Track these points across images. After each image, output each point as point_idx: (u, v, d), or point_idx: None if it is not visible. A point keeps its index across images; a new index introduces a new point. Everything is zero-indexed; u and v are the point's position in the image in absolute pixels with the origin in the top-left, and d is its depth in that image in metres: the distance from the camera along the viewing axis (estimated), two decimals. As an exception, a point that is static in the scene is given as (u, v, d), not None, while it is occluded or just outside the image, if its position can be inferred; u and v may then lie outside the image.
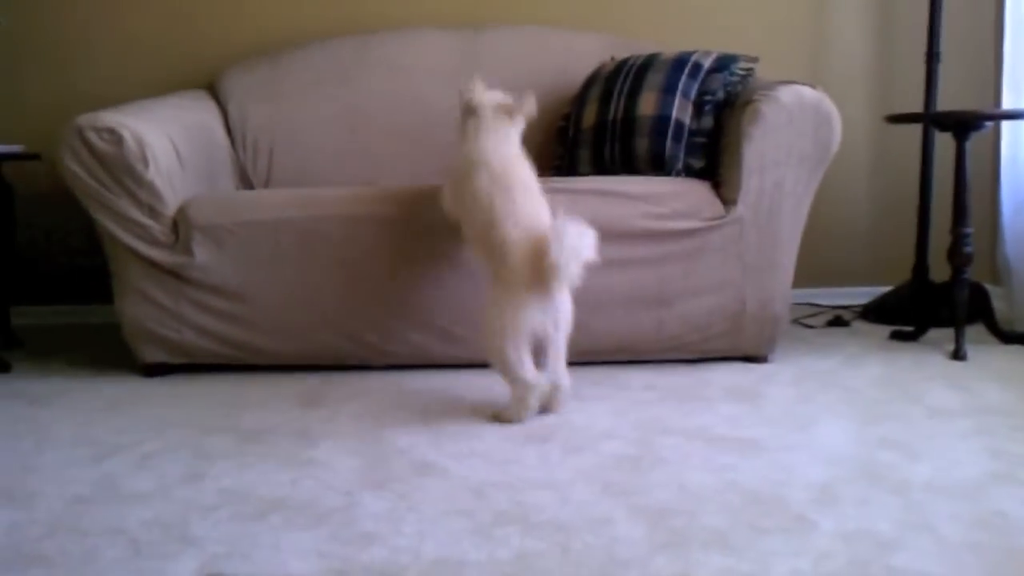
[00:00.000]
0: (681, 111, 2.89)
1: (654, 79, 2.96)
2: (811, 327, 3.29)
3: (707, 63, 2.95)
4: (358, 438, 2.15)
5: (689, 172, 2.88)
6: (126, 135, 2.60)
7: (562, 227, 2.17)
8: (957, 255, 2.87)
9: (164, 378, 2.76)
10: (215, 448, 2.10)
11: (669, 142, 2.87)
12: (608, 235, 2.61)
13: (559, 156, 3.18)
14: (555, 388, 2.32)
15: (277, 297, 2.67)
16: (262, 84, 3.41)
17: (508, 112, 2.37)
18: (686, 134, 2.88)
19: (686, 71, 2.94)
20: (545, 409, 2.33)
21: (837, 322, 3.32)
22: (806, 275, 3.53)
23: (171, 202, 2.68)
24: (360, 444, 2.11)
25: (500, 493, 1.80)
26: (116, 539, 1.63)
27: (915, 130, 3.53)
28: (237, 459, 2.03)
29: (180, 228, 2.66)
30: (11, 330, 3.27)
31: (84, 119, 2.62)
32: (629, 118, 2.94)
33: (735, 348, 2.75)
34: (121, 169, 2.61)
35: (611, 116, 2.99)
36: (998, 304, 3.19)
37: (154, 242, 2.66)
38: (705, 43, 3.45)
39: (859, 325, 3.34)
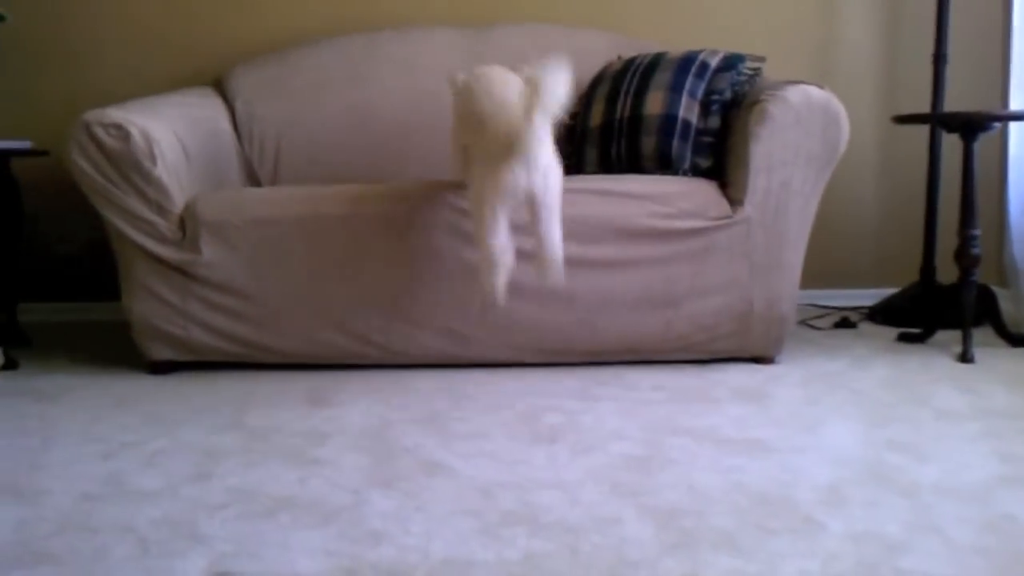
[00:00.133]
0: (688, 110, 2.88)
1: (661, 78, 2.96)
2: (818, 328, 3.29)
3: (714, 62, 2.95)
4: (365, 437, 2.15)
5: (696, 171, 2.88)
6: (134, 131, 2.61)
7: (538, 76, 2.21)
8: (965, 257, 2.87)
9: (171, 375, 2.76)
10: (223, 446, 2.10)
11: (676, 141, 2.87)
12: (615, 234, 2.64)
13: (566, 155, 3.16)
14: (545, 260, 2.39)
15: (284, 295, 2.67)
16: (270, 81, 3.42)
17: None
18: (693, 133, 2.88)
19: (693, 70, 2.94)
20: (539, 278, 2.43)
21: (844, 323, 3.32)
22: (813, 276, 3.54)
23: (178, 199, 2.69)
24: (368, 443, 2.11)
25: (508, 493, 1.80)
26: (125, 537, 1.63)
27: (922, 131, 3.53)
28: (245, 457, 2.03)
29: (187, 225, 2.67)
30: (19, 327, 3.27)
31: (92, 115, 2.62)
32: (636, 117, 2.94)
33: (742, 349, 2.75)
34: (129, 165, 2.62)
35: (618, 115, 2.98)
36: (1005, 306, 3.20)
37: (161, 239, 2.67)
38: (712, 42, 3.45)
39: (866, 327, 3.34)
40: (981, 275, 2.94)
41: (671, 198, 2.66)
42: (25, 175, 3.33)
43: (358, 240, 2.65)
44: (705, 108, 2.89)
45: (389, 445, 2.09)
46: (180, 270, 2.67)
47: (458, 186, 2.67)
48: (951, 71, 3.42)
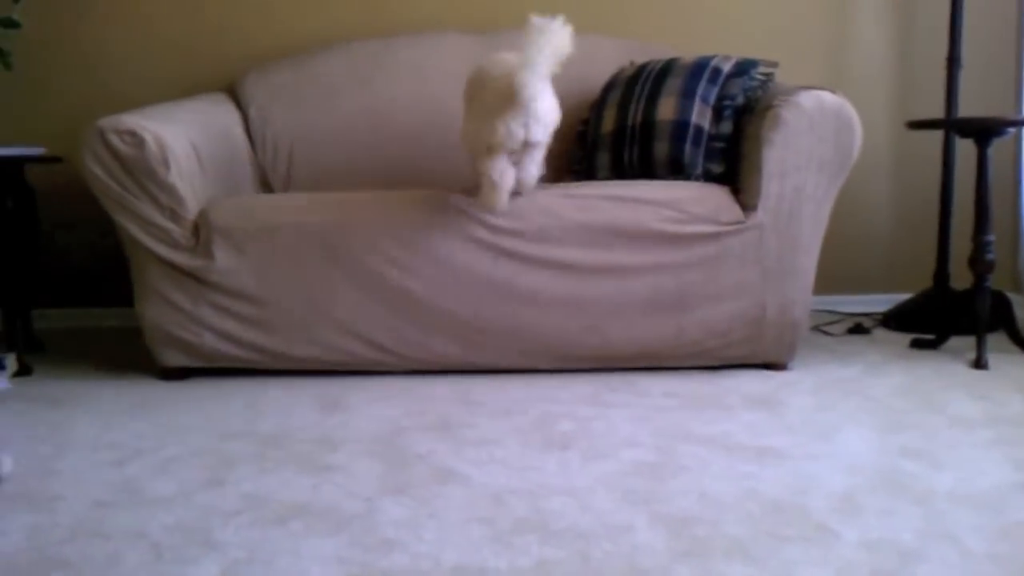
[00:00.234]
0: (700, 116, 2.88)
1: (673, 84, 2.95)
2: (831, 334, 3.28)
3: (726, 68, 2.95)
4: (378, 443, 2.16)
5: (708, 177, 2.87)
6: (147, 138, 2.62)
7: (537, 29, 2.40)
8: (979, 263, 2.86)
9: (184, 382, 2.77)
10: (235, 453, 2.11)
11: (688, 147, 2.87)
12: (626, 239, 2.64)
13: (578, 160, 3.17)
14: (520, 185, 2.62)
15: (297, 301, 2.68)
16: (283, 87, 3.43)
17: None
18: (705, 139, 2.88)
19: (705, 76, 2.93)
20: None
21: (857, 329, 3.30)
22: (826, 282, 3.53)
23: (192, 205, 2.69)
24: (380, 449, 2.11)
25: (520, 500, 1.80)
26: (138, 544, 1.64)
27: (935, 136, 3.52)
28: (257, 464, 2.03)
29: (201, 231, 2.67)
30: (33, 333, 3.28)
31: (106, 122, 2.64)
32: (648, 123, 2.94)
33: (755, 355, 2.74)
34: (142, 172, 2.63)
35: (630, 121, 2.98)
36: (1019, 312, 3.18)
37: (175, 245, 2.67)
38: (725, 48, 3.45)
39: (879, 332, 3.32)
40: (995, 281, 2.93)
41: (683, 203, 2.66)
42: (39, 181, 3.35)
43: (371, 246, 2.65)
44: (717, 113, 2.89)
45: (401, 452, 2.09)
46: (193, 276, 2.68)
47: (471, 193, 2.69)
48: (965, 76, 3.41)
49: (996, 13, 3.61)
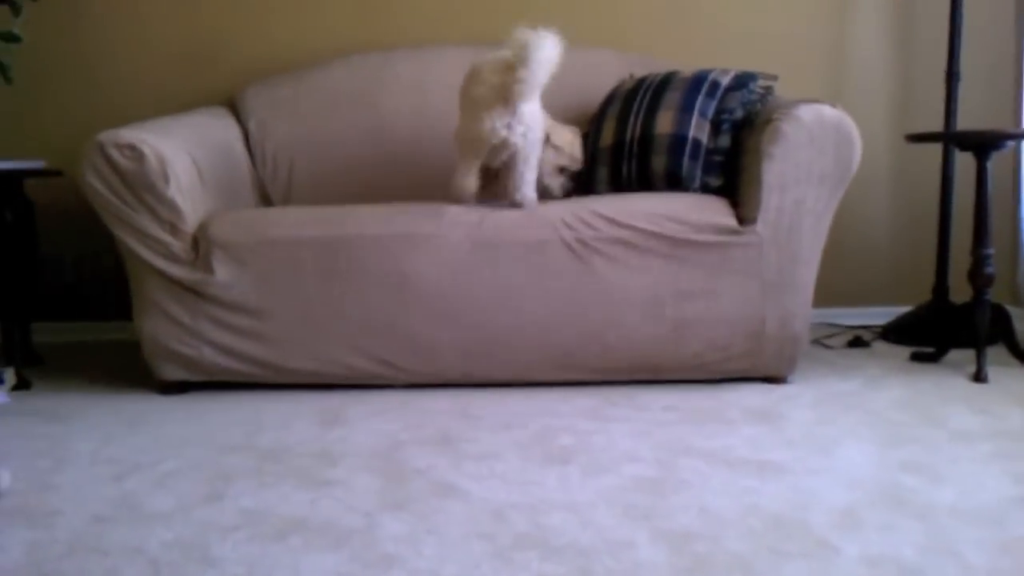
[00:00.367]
0: (698, 130, 2.88)
1: (671, 98, 2.96)
2: (831, 347, 3.27)
3: (725, 81, 2.95)
4: (377, 458, 2.15)
5: (706, 190, 2.88)
6: (147, 152, 2.62)
7: (526, 39, 2.55)
8: (978, 276, 2.86)
9: (182, 396, 2.76)
10: (234, 467, 2.10)
11: (686, 160, 2.87)
12: (624, 251, 2.63)
13: (577, 174, 3.17)
14: (517, 201, 2.73)
15: (296, 315, 2.68)
16: (283, 101, 3.43)
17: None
18: (703, 152, 2.88)
19: (704, 89, 2.94)
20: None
21: (857, 342, 3.30)
22: (826, 294, 3.52)
23: (191, 219, 2.69)
24: (379, 464, 2.11)
25: (520, 515, 1.79)
26: (136, 559, 1.63)
27: (935, 149, 3.52)
28: (256, 479, 2.02)
29: (200, 245, 2.67)
30: (31, 347, 3.28)
31: (106, 136, 2.64)
32: (647, 136, 2.94)
33: (755, 368, 2.74)
34: (142, 186, 2.63)
35: (629, 135, 2.99)
36: (1019, 325, 3.18)
37: (174, 259, 2.67)
38: (724, 61, 3.45)
39: (879, 346, 3.32)
40: (995, 294, 2.92)
41: (681, 215, 2.65)
42: (39, 195, 3.35)
43: (370, 260, 2.65)
44: (716, 127, 2.89)
45: (401, 466, 2.09)
46: (192, 290, 2.67)
47: (470, 204, 2.72)
48: (964, 89, 3.41)
49: (995, 27, 3.62)
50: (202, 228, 2.69)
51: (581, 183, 3.10)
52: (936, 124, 3.51)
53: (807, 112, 2.62)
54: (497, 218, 2.68)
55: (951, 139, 3.16)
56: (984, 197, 2.87)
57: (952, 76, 3.37)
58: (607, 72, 3.34)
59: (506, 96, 2.63)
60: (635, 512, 1.80)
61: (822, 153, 2.61)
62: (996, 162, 2.92)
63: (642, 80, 3.10)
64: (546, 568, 1.56)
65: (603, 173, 3.05)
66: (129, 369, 3.04)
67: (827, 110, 2.63)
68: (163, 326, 2.70)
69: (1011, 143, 2.88)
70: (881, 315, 3.64)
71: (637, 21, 3.64)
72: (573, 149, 3.00)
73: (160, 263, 2.66)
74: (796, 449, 2.16)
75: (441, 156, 3.26)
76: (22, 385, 2.88)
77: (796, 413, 2.46)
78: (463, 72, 2.80)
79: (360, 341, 2.69)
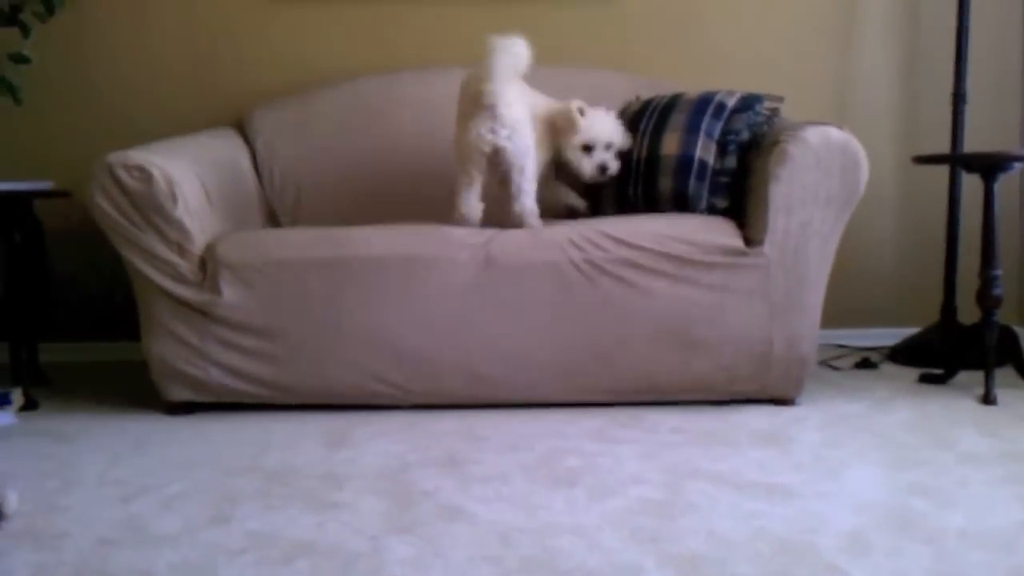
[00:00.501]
0: (705, 151, 2.89)
1: (678, 119, 2.96)
2: (838, 369, 3.27)
3: (731, 103, 2.95)
4: (384, 480, 2.14)
5: (712, 212, 2.88)
6: (156, 173, 2.63)
7: (495, 44, 2.65)
8: (986, 297, 2.85)
9: (189, 416, 2.76)
10: (241, 489, 2.10)
11: (692, 182, 2.87)
12: (633, 272, 2.63)
13: (583, 195, 3.17)
14: (516, 215, 2.78)
15: (303, 336, 2.68)
16: (290, 122, 3.44)
17: None
18: (710, 174, 2.88)
19: (710, 111, 2.94)
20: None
21: (865, 364, 3.30)
22: (833, 315, 3.51)
23: (199, 240, 2.70)
24: (386, 486, 2.10)
25: (527, 539, 1.78)
26: (143, 583, 1.63)
27: (942, 170, 3.51)
28: (263, 501, 2.02)
29: (208, 266, 2.68)
30: (39, 367, 3.28)
31: (114, 157, 2.65)
32: (653, 158, 2.95)
33: (762, 390, 2.73)
34: (150, 207, 2.64)
35: (635, 156, 2.99)
36: (1028, 346, 3.16)
37: (182, 280, 2.68)
38: (730, 83, 3.45)
39: (887, 367, 3.31)
40: (1003, 315, 2.92)
41: (688, 236, 2.66)
42: (47, 215, 3.36)
43: (378, 281, 2.66)
44: (722, 148, 2.90)
45: (407, 489, 2.08)
46: (200, 311, 2.68)
47: (473, 226, 2.74)
48: (970, 111, 3.41)
49: (1000, 48, 3.63)
50: (210, 249, 2.70)
51: (589, 202, 3.11)
52: (943, 146, 3.51)
53: (814, 134, 2.63)
54: (504, 239, 2.68)
55: (958, 161, 3.16)
56: (991, 218, 2.87)
57: (958, 98, 3.38)
58: (613, 94, 3.35)
59: (482, 103, 2.70)
60: (642, 535, 1.79)
61: (829, 175, 2.62)
62: (1003, 183, 2.92)
63: (648, 102, 3.11)
64: (553, 592, 1.56)
65: (609, 194, 3.06)
66: (136, 390, 3.04)
67: (834, 132, 2.64)
68: (170, 347, 2.70)
69: (1018, 165, 2.88)
70: (889, 336, 3.63)
71: (643, 43, 3.65)
72: (596, 124, 2.96)
73: (168, 284, 2.67)
74: (804, 472, 2.15)
75: (448, 177, 3.25)
76: (29, 405, 2.88)
77: (804, 435, 2.45)
78: (468, 93, 2.82)
79: (366, 362, 2.69)
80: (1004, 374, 2.98)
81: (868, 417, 2.63)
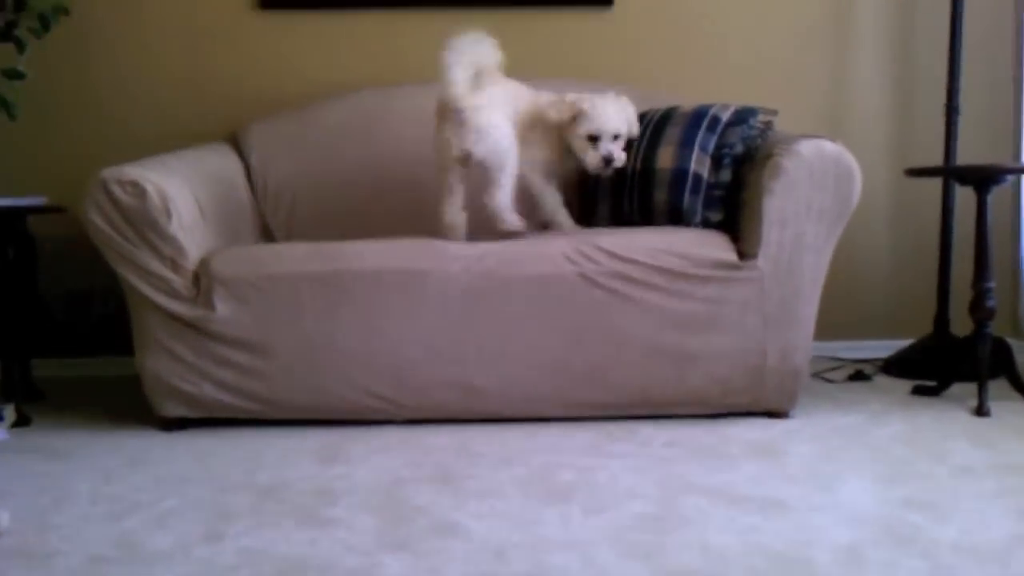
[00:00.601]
0: (699, 164, 2.89)
1: (672, 132, 2.97)
2: (832, 381, 3.27)
3: (725, 116, 2.96)
4: (377, 495, 2.14)
5: (707, 225, 2.89)
6: (149, 188, 2.63)
7: (450, 46, 2.66)
8: (979, 310, 2.86)
9: (183, 432, 2.75)
10: (234, 506, 2.09)
11: (687, 195, 2.88)
12: (627, 286, 2.63)
13: (578, 208, 3.18)
14: (495, 220, 2.78)
15: (298, 351, 2.68)
16: (284, 137, 3.44)
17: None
18: (704, 187, 2.89)
19: (704, 124, 2.95)
20: None
21: (859, 376, 3.30)
22: (827, 327, 3.51)
23: (193, 255, 2.70)
24: (379, 502, 2.09)
25: (522, 554, 1.78)
26: (135, 601, 1.62)
27: (935, 183, 3.52)
28: (256, 517, 2.01)
29: (202, 281, 2.68)
30: (32, 382, 3.27)
31: (108, 172, 2.65)
32: (647, 171, 2.95)
33: (756, 403, 2.74)
34: (144, 222, 2.63)
35: (630, 169, 2.99)
36: (1020, 358, 3.16)
37: (175, 295, 2.68)
38: (724, 96, 3.46)
39: (881, 379, 3.32)
40: (996, 327, 2.92)
41: (682, 249, 2.66)
42: (41, 231, 3.35)
43: (371, 296, 2.66)
44: (716, 162, 2.90)
45: (401, 504, 2.08)
46: (194, 326, 2.67)
47: (461, 235, 2.78)
48: (963, 123, 3.42)
49: (993, 61, 3.64)
50: (204, 264, 2.69)
51: (582, 216, 3.11)
52: (936, 158, 3.52)
53: (807, 147, 2.64)
54: (498, 252, 2.68)
55: (951, 174, 3.17)
56: (984, 231, 2.88)
57: (951, 110, 3.39)
58: (607, 107, 3.34)
59: (448, 109, 2.74)
60: (637, 551, 1.78)
61: (822, 188, 2.62)
62: (996, 195, 2.93)
63: (643, 115, 3.11)
64: (547, 609, 1.55)
65: (604, 207, 3.06)
66: (130, 405, 3.03)
67: (827, 145, 2.65)
68: (164, 362, 2.70)
69: (1011, 177, 2.89)
70: (882, 348, 3.63)
71: (639, 56, 3.66)
72: (603, 112, 2.85)
73: (161, 299, 2.66)
74: (798, 485, 2.15)
75: (442, 191, 3.28)
76: (22, 422, 2.87)
77: (798, 448, 2.45)
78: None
79: (360, 377, 2.69)
80: (997, 386, 2.98)
81: (862, 429, 2.63)
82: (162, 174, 2.73)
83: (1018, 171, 2.96)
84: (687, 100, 3.19)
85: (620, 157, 2.87)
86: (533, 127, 2.90)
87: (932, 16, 3.62)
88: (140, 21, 3.66)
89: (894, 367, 3.40)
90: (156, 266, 2.66)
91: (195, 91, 3.67)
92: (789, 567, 1.70)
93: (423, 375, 2.69)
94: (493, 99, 2.78)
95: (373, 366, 2.68)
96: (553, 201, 2.98)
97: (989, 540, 1.81)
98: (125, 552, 1.84)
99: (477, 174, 2.81)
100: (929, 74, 3.63)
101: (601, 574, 1.68)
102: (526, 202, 2.91)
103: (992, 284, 2.86)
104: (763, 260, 2.65)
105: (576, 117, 2.85)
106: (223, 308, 2.66)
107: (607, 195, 3.05)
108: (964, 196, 3.31)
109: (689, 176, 2.89)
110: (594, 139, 2.86)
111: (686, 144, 2.92)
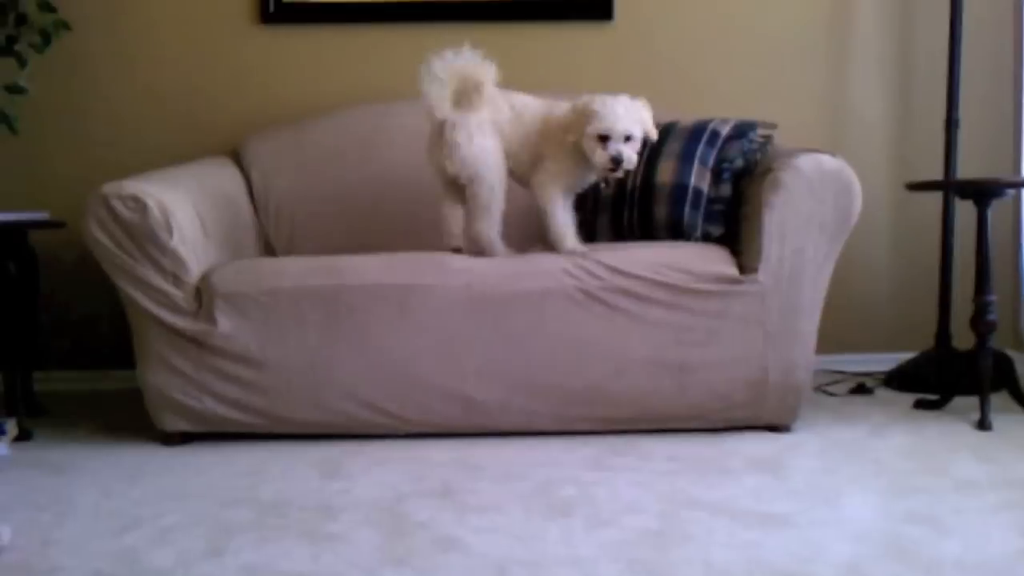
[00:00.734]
0: (699, 179, 2.90)
1: (672, 147, 2.98)
2: (834, 395, 3.27)
3: (725, 131, 2.97)
4: (378, 511, 2.13)
5: (707, 239, 2.89)
6: (151, 203, 2.63)
7: (428, 66, 2.69)
8: (980, 323, 2.86)
9: (185, 447, 2.75)
10: (235, 521, 2.09)
11: (687, 209, 2.88)
12: (628, 300, 2.64)
13: (579, 223, 3.17)
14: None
15: (299, 365, 2.68)
16: (285, 151, 3.45)
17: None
18: (704, 201, 2.89)
19: (704, 139, 2.96)
20: None
21: (860, 390, 3.30)
22: (828, 341, 3.51)
23: (194, 270, 2.70)
24: (380, 517, 2.09)
25: (523, 570, 1.77)
26: (136, 617, 1.62)
27: (935, 196, 3.52)
28: (257, 532, 2.01)
29: (203, 296, 2.68)
30: (34, 396, 3.27)
31: (109, 187, 2.65)
32: (647, 186, 2.96)
33: (758, 417, 2.73)
34: (145, 237, 2.64)
35: (630, 183, 3.00)
36: (1022, 371, 3.16)
37: (177, 310, 2.68)
38: (723, 110, 3.46)
39: (882, 392, 3.32)
40: (997, 340, 2.92)
41: (683, 264, 2.67)
42: (43, 245, 3.36)
43: (373, 310, 2.66)
44: (716, 176, 2.91)
45: (402, 519, 2.07)
46: (195, 341, 2.68)
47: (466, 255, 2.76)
48: (963, 137, 3.43)
49: (993, 75, 3.65)
50: (204, 279, 2.70)
51: (582, 231, 3.11)
52: (936, 172, 3.52)
53: (806, 162, 2.64)
54: (499, 268, 2.68)
55: (951, 188, 3.18)
56: (985, 244, 2.88)
57: (951, 124, 3.40)
58: (608, 121, 3.35)
59: (435, 127, 2.79)
60: (638, 567, 1.78)
61: (822, 202, 2.63)
62: (996, 209, 2.93)
63: (643, 129, 3.11)
64: (549, 625, 1.55)
65: (604, 222, 3.07)
66: (131, 419, 3.03)
67: (827, 159, 2.65)
68: (166, 377, 2.70)
69: (1011, 191, 2.89)
70: (884, 362, 3.62)
71: (637, 70, 3.67)
72: (613, 112, 2.70)
73: (163, 314, 2.67)
74: (800, 500, 2.15)
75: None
76: (24, 436, 2.86)
77: (799, 462, 2.45)
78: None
79: (361, 391, 2.69)
80: (999, 399, 2.98)
81: (864, 443, 2.63)
82: (163, 189, 2.74)
83: (1018, 185, 2.96)
84: (687, 114, 3.20)
85: (630, 158, 2.69)
86: (547, 140, 2.81)
87: (931, 29, 3.63)
88: (141, 36, 3.67)
89: (896, 380, 3.40)
90: (157, 281, 2.66)
91: (197, 105, 3.68)
92: (791, 583, 1.70)
93: (424, 389, 2.69)
94: (480, 116, 2.76)
95: (374, 380, 2.68)
96: (562, 222, 2.80)
97: (992, 555, 1.81)
98: (126, 568, 1.83)
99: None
100: (929, 88, 3.64)
101: (603, 590, 1.68)
102: (536, 221, 2.86)
103: (993, 297, 2.86)
104: (764, 274, 2.65)
105: (587, 118, 2.70)
106: (224, 322, 2.66)
107: (607, 210, 3.05)
108: (965, 210, 3.31)
109: (689, 190, 2.89)
110: (604, 139, 2.68)
111: (686, 158, 2.92)
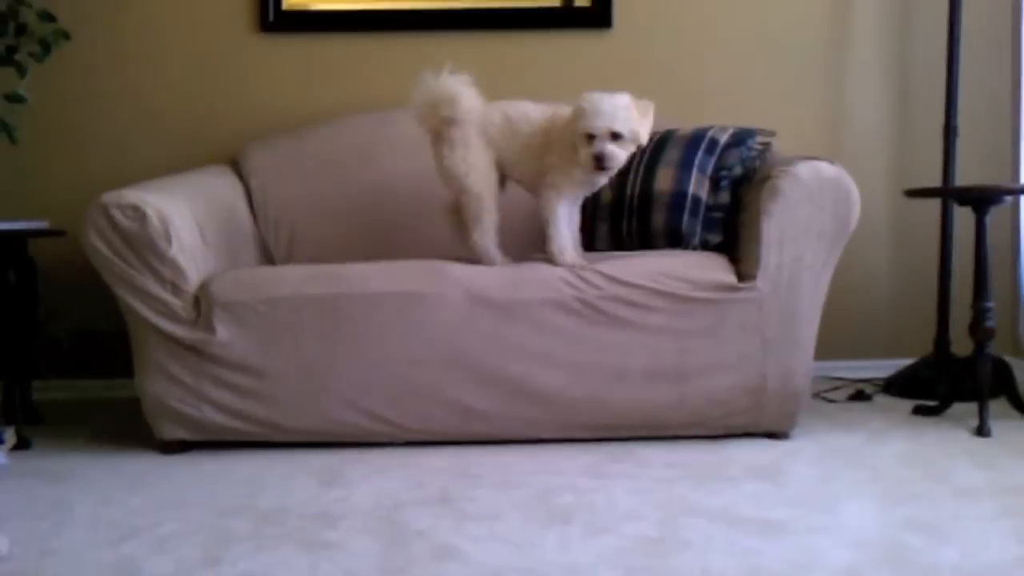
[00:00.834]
0: (698, 186, 2.90)
1: (671, 155, 2.98)
2: (833, 401, 3.27)
3: (723, 138, 2.97)
4: (377, 519, 2.13)
5: (706, 247, 2.89)
6: (150, 212, 2.63)
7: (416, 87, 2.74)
8: (979, 330, 2.86)
9: (183, 455, 2.75)
10: (233, 530, 2.09)
11: (686, 217, 2.89)
12: (627, 308, 2.64)
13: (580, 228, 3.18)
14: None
15: (298, 374, 2.68)
16: (284, 160, 3.46)
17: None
18: (703, 209, 2.89)
19: (703, 147, 2.96)
20: None
21: (859, 396, 3.30)
22: (827, 347, 3.51)
23: (193, 278, 2.70)
24: (379, 526, 2.09)
25: (521, 578, 1.78)
26: (134, 626, 1.62)
27: (934, 203, 3.53)
28: (255, 541, 2.01)
29: (202, 305, 2.68)
30: (32, 405, 3.27)
31: (109, 196, 2.66)
32: (646, 194, 2.96)
33: (756, 424, 2.73)
34: (145, 246, 2.64)
35: (628, 192, 3.00)
36: (1021, 378, 3.16)
37: (176, 318, 2.68)
38: (722, 118, 3.47)
39: (881, 399, 3.31)
40: (996, 347, 2.92)
41: (682, 272, 2.67)
42: (42, 254, 3.36)
43: (371, 319, 2.66)
44: (715, 184, 2.91)
45: (400, 528, 2.07)
46: (194, 349, 2.68)
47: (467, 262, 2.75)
48: (962, 144, 3.43)
49: (991, 82, 3.65)
50: (203, 287, 2.70)
51: (581, 240, 3.11)
52: (935, 179, 3.52)
53: (805, 169, 2.64)
54: (498, 276, 2.69)
55: (950, 194, 3.18)
56: (983, 251, 2.88)
57: (950, 131, 3.40)
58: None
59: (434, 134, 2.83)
60: (637, 574, 1.78)
61: (821, 210, 2.63)
62: (995, 215, 2.93)
63: (641, 137, 3.12)
64: (547, 633, 1.55)
65: (603, 230, 3.07)
66: (130, 428, 3.03)
67: (825, 167, 2.65)
68: (164, 386, 2.70)
69: (1009, 198, 2.90)
70: (883, 368, 3.62)
71: (636, 78, 3.66)
72: (595, 109, 2.62)
73: (162, 323, 2.67)
74: (798, 507, 2.15)
75: (441, 214, 3.28)
76: (22, 444, 2.86)
77: (798, 469, 2.45)
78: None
79: (360, 399, 2.69)
80: (998, 406, 2.98)
81: (862, 450, 2.63)
82: (162, 197, 2.74)
83: (1017, 191, 2.97)
84: (686, 122, 3.20)
85: (615, 155, 2.60)
86: (551, 146, 2.75)
87: (930, 37, 3.64)
88: (141, 45, 3.68)
89: (894, 387, 3.40)
90: (156, 289, 2.66)
91: (196, 114, 3.69)
92: (789, 590, 1.69)
93: (423, 397, 2.69)
94: (464, 129, 2.77)
95: (373, 388, 2.68)
96: (562, 235, 2.74)
97: (990, 562, 1.80)
98: (124, 577, 1.83)
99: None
100: (927, 95, 3.64)
101: (601, 598, 1.68)
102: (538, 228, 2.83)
103: (992, 304, 2.86)
104: (762, 282, 2.65)
105: (576, 117, 2.65)
106: (223, 331, 2.66)
107: (606, 218, 3.06)
108: (963, 216, 3.32)
109: (688, 198, 2.89)
110: (592, 138, 2.61)
111: (685, 166, 2.93)
